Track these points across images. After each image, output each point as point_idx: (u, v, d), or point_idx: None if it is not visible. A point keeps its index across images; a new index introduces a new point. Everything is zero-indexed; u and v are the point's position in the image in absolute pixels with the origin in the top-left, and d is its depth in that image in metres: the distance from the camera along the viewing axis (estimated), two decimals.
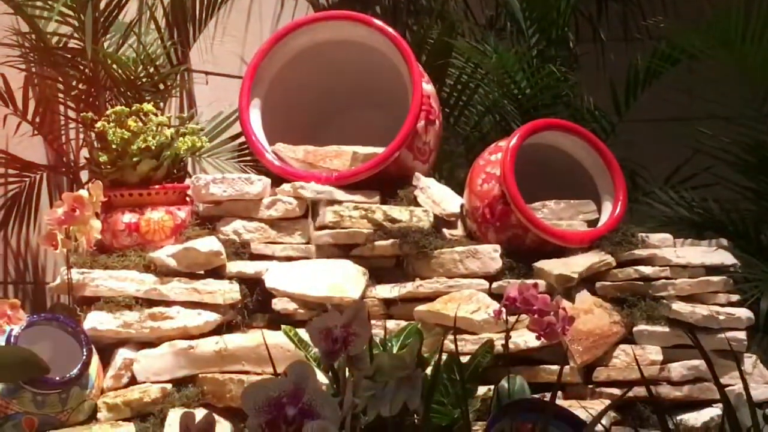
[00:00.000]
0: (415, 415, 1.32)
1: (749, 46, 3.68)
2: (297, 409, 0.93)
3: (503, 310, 2.32)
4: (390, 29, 3.35)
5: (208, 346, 2.80)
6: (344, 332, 0.96)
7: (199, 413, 2.65)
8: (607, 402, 2.75)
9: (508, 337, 2.38)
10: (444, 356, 2.36)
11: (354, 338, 0.96)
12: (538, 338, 2.31)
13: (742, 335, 2.97)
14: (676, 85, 4.27)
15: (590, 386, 2.84)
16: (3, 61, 3.65)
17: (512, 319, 2.42)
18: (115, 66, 3.65)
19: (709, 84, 3.97)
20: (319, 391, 0.94)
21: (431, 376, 1.39)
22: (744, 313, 2.99)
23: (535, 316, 2.27)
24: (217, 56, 4.43)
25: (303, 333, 2.49)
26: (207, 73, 4.40)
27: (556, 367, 2.75)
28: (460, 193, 3.30)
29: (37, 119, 3.75)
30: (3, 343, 2.52)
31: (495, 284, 2.96)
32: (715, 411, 2.85)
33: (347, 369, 0.99)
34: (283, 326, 2.63)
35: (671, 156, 4.39)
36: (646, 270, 3.02)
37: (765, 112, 3.92)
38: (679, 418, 2.84)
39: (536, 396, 2.55)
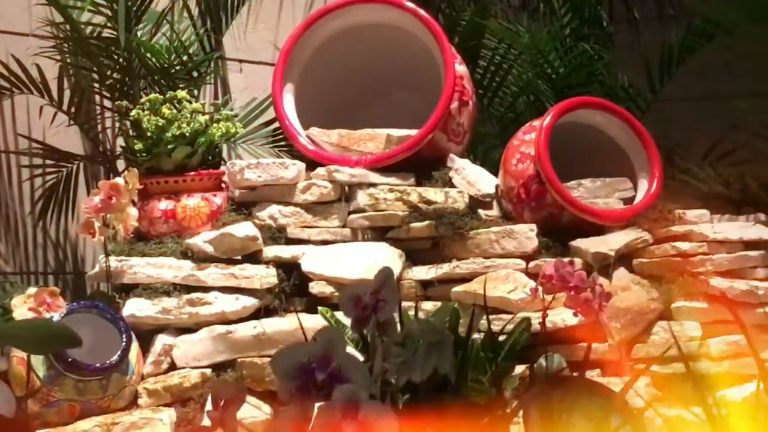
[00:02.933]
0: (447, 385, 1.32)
1: None
2: (326, 374, 0.93)
3: (540, 288, 2.31)
4: (422, 11, 3.34)
5: (246, 330, 2.81)
6: (373, 299, 0.96)
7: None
8: (647, 379, 2.75)
9: (545, 315, 2.36)
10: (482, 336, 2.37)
11: (383, 304, 0.96)
12: (575, 315, 2.29)
13: None
14: (714, 62, 4.25)
15: (630, 363, 2.84)
16: (37, 52, 3.67)
17: (549, 297, 2.41)
18: (148, 54, 3.67)
19: (747, 60, 3.94)
20: (349, 356, 0.94)
21: (465, 351, 1.40)
22: None
23: (572, 293, 2.26)
24: (250, 44, 4.44)
25: (340, 315, 2.50)
26: (240, 61, 4.41)
27: (594, 345, 2.74)
28: (495, 174, 3.29)
29: (73, 109, 3.78)
30: None
31: (531, 263, 2.96)
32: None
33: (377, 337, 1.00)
34: (320, 308, 2.64)
35: (708, 134, 4.35)
36: (684, 246, 3.00)
37: None
38: (719, 394, 2.84)
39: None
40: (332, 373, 0.93)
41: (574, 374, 2.48)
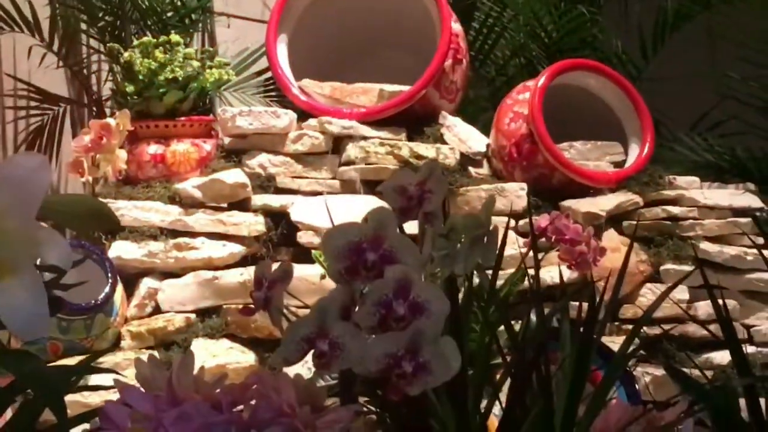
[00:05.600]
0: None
1: None
2: (377, 255, 0.92)
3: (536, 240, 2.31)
4: None
5: (232, 277, 2.80)
6: (419, 190, 0.95)
7: (222, 343, 2.75)
8: (635, 340, 2.76)
9: (538, 268, 2.37)
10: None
11: (429, 195, 0.96)
12: (569, 268, 2.30)
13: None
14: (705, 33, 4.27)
15: (616, 323, 2.86)
16: None
17: (540, 256, 2.41)
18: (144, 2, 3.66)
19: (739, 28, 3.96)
20: (401, 238, 0.94)
21: (463, 299, 1.39)
22: None
23: (567, 245, 2.26)
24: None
25: None
26: (229, 16, 4.39)
27: (584, 304, 2.75)
28: (486, 135, 3.29)
29: (64, 51, 3.75)
30: None
31: (521, 222, 2.96)
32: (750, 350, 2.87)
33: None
34: (314, 252, 2.63)
35: (700, 105, 4.38)
36: (674, 210, 3.03)
37: None
38: (705, 356, 2.87)
39: None
40: (383, 254, 0.93)
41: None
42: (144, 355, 2.62)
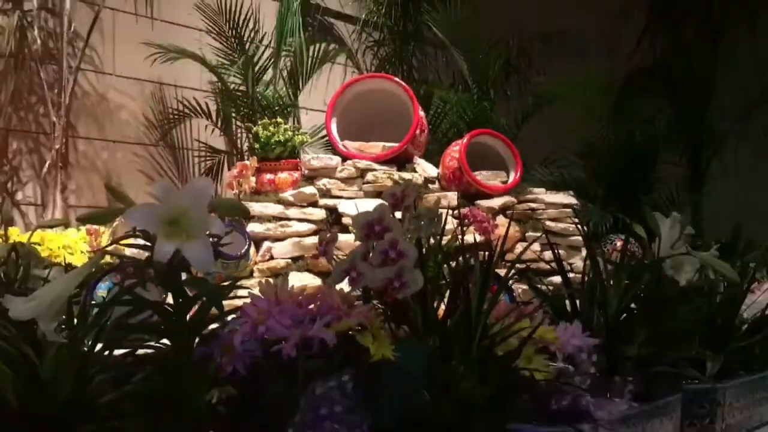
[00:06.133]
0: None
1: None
2: (380, 228, 0.91)
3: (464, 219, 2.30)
4: (403, 83, 3.28)
5: (309, 240, 2.76)
6: (401, 194, 0.95)
7: (305, 275, 2.73)
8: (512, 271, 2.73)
9: (463, 235, 2.35)
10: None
11: (407, 197, 0.95)
12: (480, 235, 2.29)
13: (579, 239, 2.96)
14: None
15: (503, 262, 2.83)
16: (206, 98, 3.62)
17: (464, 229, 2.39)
18: (263, 101, 3.64)
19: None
20: (392, 219, 0.93)
21: (425, 251, 1.37)
22: (582, 228, 2.96)
23: (478, 224, 2.25)
24: (311, 98, 4.40)
25: None
26: (306, 108, 4.36)
27: (487, 253, 2.73)
28: (437, 166, 3.26)
29: (223, 127, 3.74)
30: None
31: (455, 212, 2.91)
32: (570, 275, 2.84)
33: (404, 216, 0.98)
34: (350, 228, 2.61)
35: (545, 151, 4.34)
36: (532, 205, 3.01)
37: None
38: (548, 279, 2.83)
39: None
40: (383, 228, 0.92)
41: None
42: (264, 281, 2.63)
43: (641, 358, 1.16)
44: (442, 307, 1.19)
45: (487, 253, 1.19)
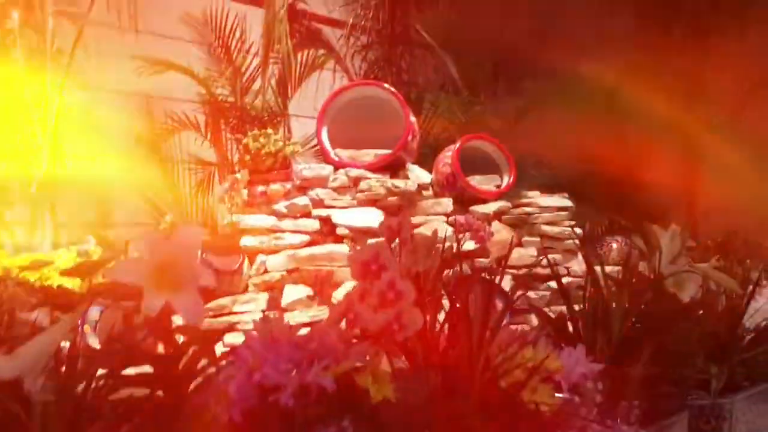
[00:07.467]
0: None
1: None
2: (378, 265, 0.88)
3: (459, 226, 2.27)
4: (393, 89, 3.24)
5: (303, 252, 2.74)
6: (398, 225, 0.92)
7: (299, 287, 2.70)
8: (510, 277, 2.72)
9: (460, 244, 2.33)
10: None
11: (404, 227, 0.92)
12: (475, 242, 2.26)
13: (573, 243, 2.95)
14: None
15: (500, 269, 2.81)
16: (194, 109, 3.58)
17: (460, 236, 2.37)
18: (252, 111, 3.59)
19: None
20: (389, 256, 0.90)
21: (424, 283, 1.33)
22: (578, 230, 2.96)
23: (473, 231, 2.22)
24: (301, 105, 4.34)
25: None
26: (297, 116, 4.30)
27: (485, 260, 2.72)
28: (430, 172, 3.23)
29: (212, 138, 3.69)
30: None
31: (450, 218, 2.91)
32: (566, 280, 2.83)
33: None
34: (344, 239, 2.59)
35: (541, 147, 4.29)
36: (527, 209, 2.99)
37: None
38: (545, 285, 2.82)
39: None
40: (380, 265, 0.89)
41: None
42: (260, 294, 2.60)
43: (646, 377, 1.14)
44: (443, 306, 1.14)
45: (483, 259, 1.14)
